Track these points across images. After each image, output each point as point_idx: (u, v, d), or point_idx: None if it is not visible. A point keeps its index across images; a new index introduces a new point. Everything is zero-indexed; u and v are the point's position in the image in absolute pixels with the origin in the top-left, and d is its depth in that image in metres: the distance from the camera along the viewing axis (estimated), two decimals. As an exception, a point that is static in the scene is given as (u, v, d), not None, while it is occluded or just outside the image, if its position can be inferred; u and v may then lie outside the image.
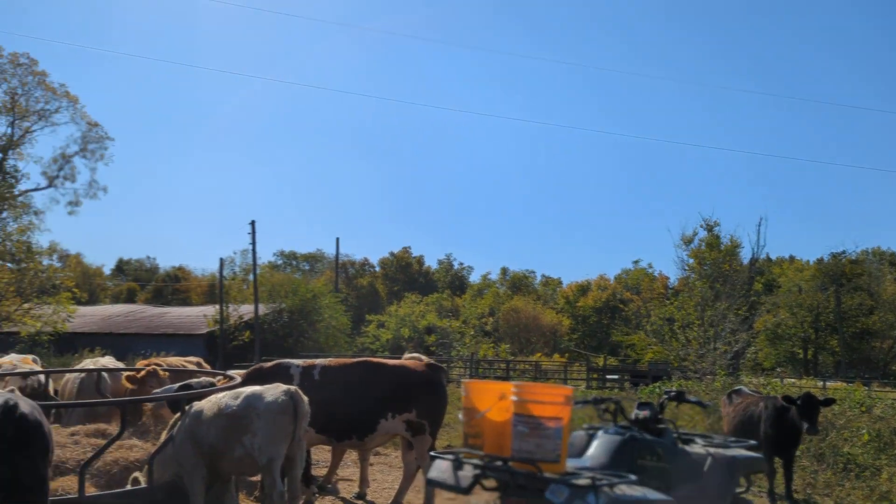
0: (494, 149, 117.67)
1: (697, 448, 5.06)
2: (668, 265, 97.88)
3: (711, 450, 5.03)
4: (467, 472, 4.43)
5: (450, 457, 4.62)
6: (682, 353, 23.78)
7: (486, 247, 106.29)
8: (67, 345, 34.25)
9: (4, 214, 39.94)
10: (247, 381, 8.46)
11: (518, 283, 71.75)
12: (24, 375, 9.64)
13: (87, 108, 42.57)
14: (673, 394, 5.67)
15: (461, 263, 75.59)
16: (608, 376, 30.58)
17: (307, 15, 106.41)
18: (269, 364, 9.03)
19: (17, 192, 40.51)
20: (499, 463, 4.30)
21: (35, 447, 5.17)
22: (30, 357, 11.07)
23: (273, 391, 6.88)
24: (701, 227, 32.17)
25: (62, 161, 42.13)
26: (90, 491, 7.14)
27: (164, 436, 7.53)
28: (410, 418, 8.44)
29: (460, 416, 4.88)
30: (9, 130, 40.63)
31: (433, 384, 8.65)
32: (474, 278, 74.79)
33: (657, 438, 4.91)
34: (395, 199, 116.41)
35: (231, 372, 10.16)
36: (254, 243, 38.59)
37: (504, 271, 75.46)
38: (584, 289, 64.28)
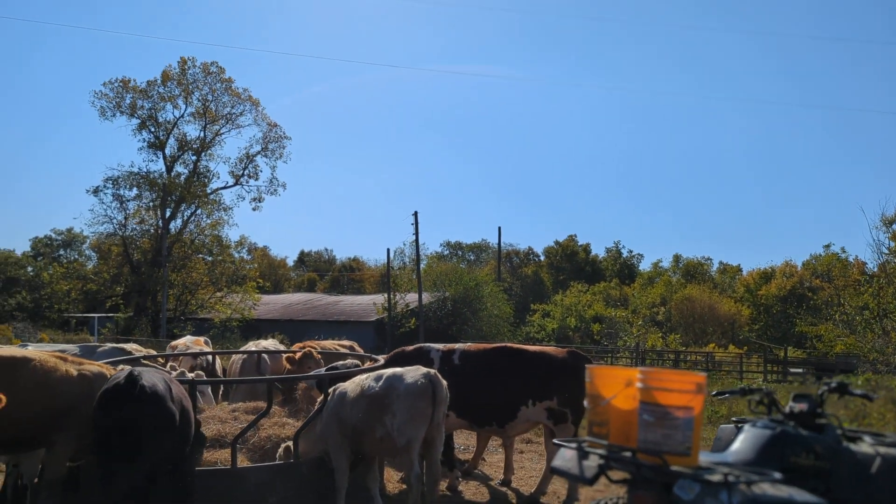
0: (665, 130, 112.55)
1: (865, 447, 4.34)
2: (864, 249, 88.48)
3: (882, 450, 4.28)
4: (592, 463, 4.10)
5: (574, 445, 4.30)
6: (877, 346, 21.27)
7: (657, 233, 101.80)
8: (253, 330, 37.19)
9: (199, 211, 44.24)
10: (389, 363, 8.57)
11: (692, 271, 68.00)
12: (195, 356, 10.44)
13: (266, 109, 45.69)
14: (834, 385, 4.90)
15: (630, 251, 72.94)
16: (791, 369, 28.13)
17: (473, 4, 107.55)
18: (410, 348, 9.09)
19: (209, 191, 44.56)
20: (624, 454, 3.91)
21: (151, 419, 5.54)
22: (202, 339, 12.00)
23: (413, 373, 6.90)
24: (904, 205, 28.60)
25: (246, 160, 45.76)
26: (243, 463, 7.56)
27: (311, 414, 7.81)
28: (552, 406, 8.14)
29: (585, 403, 4.53)
30: (201, 134, 44.76)
31: (575, 371, 8.26)
32: (644, 266, 71.90)
33: (815, 434, 4.26)
34: (559, 187, 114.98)
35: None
36: (417, 233, 39.72)
37: (677, 258, 71.86)
38: (766, 276, 59.58)
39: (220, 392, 10.45)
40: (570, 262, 67.52)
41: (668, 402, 3.89)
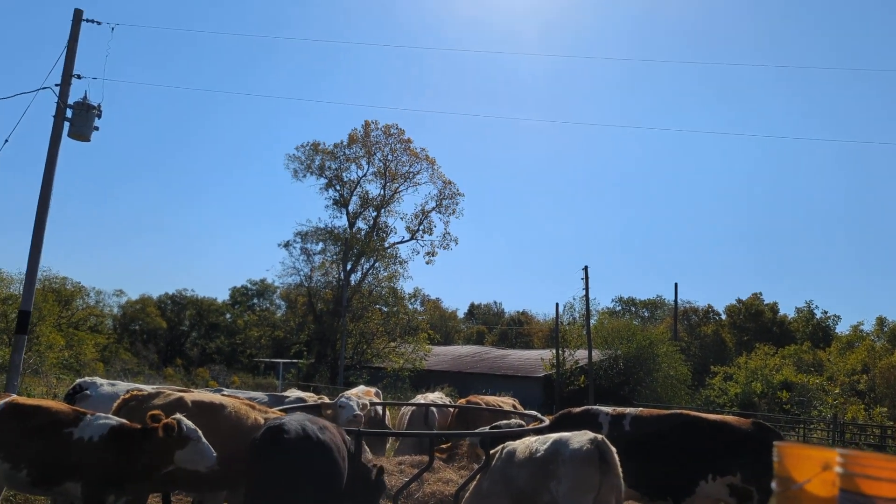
0: (868, 181, 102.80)
1: None
2: None
3: None
4: (780, 554, 3.62)
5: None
6: None
7: (856, 293, 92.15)
8: (422, 380, 37.97)
9: (377, 264, 46.51)
10: (554, 425, 8.30)
11: (900, 336, 60.76)
12: (363, 406, 10.76)
13: (442, 168, 47.56)
14: None
15: (825, 312, 66.54)
16: None
17: (608, 55, 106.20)
18: (577, 410, 8.76)
19: (386, 245, 46.78)
20: (820, 549, 3.42)
21: (293, 462, 5.77)
22: (372, 389, 12.38)
23: (580, 438, 6.64)
24: None
25: (422, 216, 47.65)
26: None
27: (473, 473, 7.72)
28: (734, 482, 7.43)
29: (773, 484, 4.06)
30: (381, 192, 47.33)
31: (763, 445, 7.50)
32: (842, 329, 65.19)
33: None
34: (741, 242, 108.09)
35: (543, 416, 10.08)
36: (587, 288, 38.88)
37: (881, 321, 64.49)
38: None
39: (387, 444, 10.67)
40: (755, 321, 62.81)
41: (876, 492, 3.36)
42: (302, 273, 46.91)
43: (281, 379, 36.63)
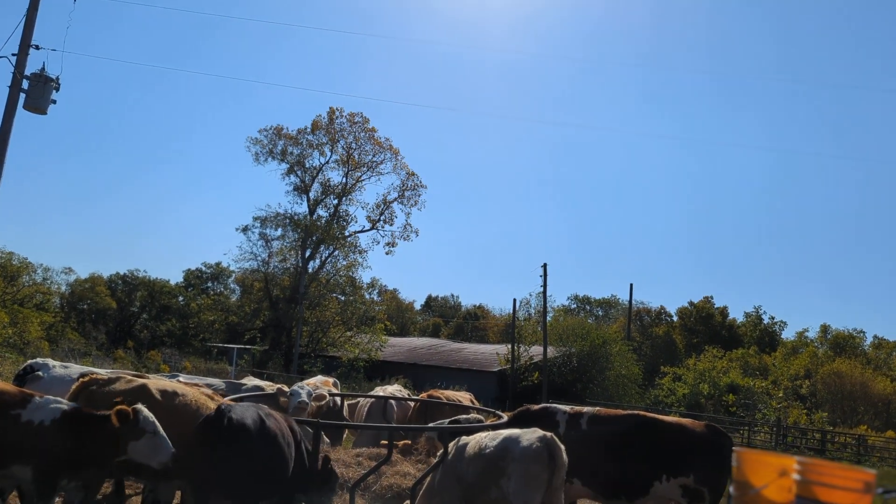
0: (813, 190, 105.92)
1: None
2: None
3: None
4: (737, 557, 3.73)
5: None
6: None
7: (802, 301, 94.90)
8: (377, 371, 37.91)
9: (336, 253, 46.19)
10: (513, 421, 8.36)
11: (842, 344, 62.79)
12: (320, 397, 10.68)
13: (405, 159, 47.37)
14: None
15: (772, 318, 68.43)
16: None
17: (589, 58, 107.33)
18: (536, 407, 8.84)
19: (346, 234, 46.48)
20: (775, 554, 3.53)
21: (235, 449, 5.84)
22: (330, 380, 12.30)
23: (529, 436, 6.69)
24: None
25: (383, 206, 47.43)
26: (361, 510, 7.57)
27: (430, 467, 7.74)
28: (687, 483, 7.58)
29: (731, 489, 4.17)
30: (343, 180, 46.97)
31: (715, 448, 7.68)
32: (788, 335, 67.15)
33: None
34: (695, 246, 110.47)
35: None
36: (545, 285, 39.31)
37: (825, 329, 66.66)
38: (929, 354, 54.06)
39: (344, 435, 10.62)
40: (705, 324, 64.25)
41: (830, 499, 3.47)
42: (259, 258, 46.36)
43: (234, 365, 36.11)
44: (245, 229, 46.15)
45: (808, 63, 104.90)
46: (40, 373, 7.56)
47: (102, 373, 7.72)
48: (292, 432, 6.86)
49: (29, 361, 7.80)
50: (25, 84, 14.90)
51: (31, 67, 15.09)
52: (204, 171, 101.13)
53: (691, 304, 66.62)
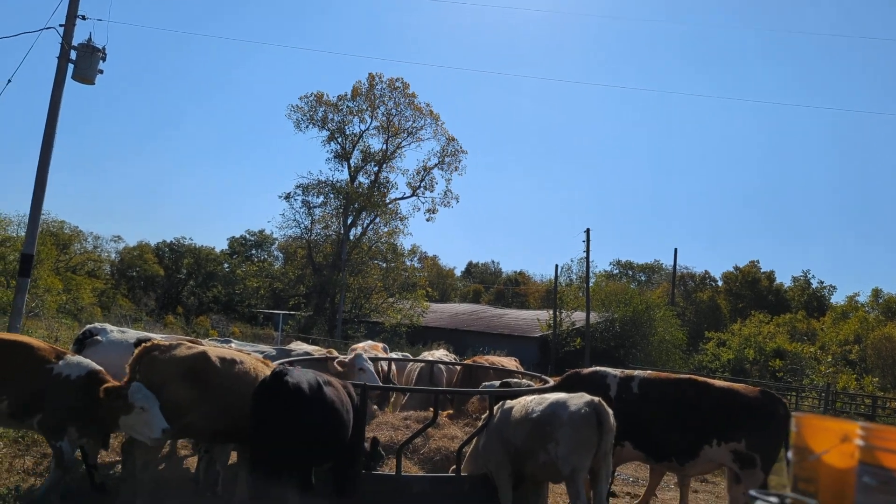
0: (863, 149, 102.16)
1: None
2: None
3: None
4: (797, 522, 3.67)
5: (775, 500, 3.89)
6: None
7: (853, 265, 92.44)
8: (419, 337, 38.21)
9: (377, 220, 46.37)
10: (562, 385, 8.36)
11: (894, 308, 61.19)
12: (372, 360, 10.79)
13: (445, 124, 47.02)
14: None
15: (821, 282, 66.85)
16: None
17: (630, 16, 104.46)
18: (585, 371, 8.81)
19: (387, 201, 46.58)
20: (837, 519, 3.46)
21: (291, 413, 6.02)
22: (380, 345, 12.41)
23: (577, 401, 6.67)
24: None
25: (423, 173, 47.32)
26: (409, 471, 7.68)
27: (475, 430, 7.79)
28: (739, 448, 7.51)
29: (789, 454, 4.08)
30: (384, 146, 46.92)
31: (768, 414, 7.57)
32: (837, 299, 65.57)
33: None
34: (741, 210, 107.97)
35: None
36: (588, 251, 38.92)
37: (876, 293, 64.92)
38: None
39: (391, 399, 10.75)
40: (751, 289, 63.08)
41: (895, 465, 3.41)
42: (302, 225, 46.78)
43: (280, 330, 36.80)
44: (288, 197, 46.59)
45: (868, 16, 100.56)
46: (99, 337, 7.79)
47: (158, 338, 7.92)
48: (350, 398, 6.95)
49: (88, 326, 8.05)
50: (73, 55, 15.12)
51: (77, 38, 15.31)
52: (247, 139, 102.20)
53: (737, 268, 65.41)
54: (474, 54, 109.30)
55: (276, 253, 65.17)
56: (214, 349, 6.94)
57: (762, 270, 65.23)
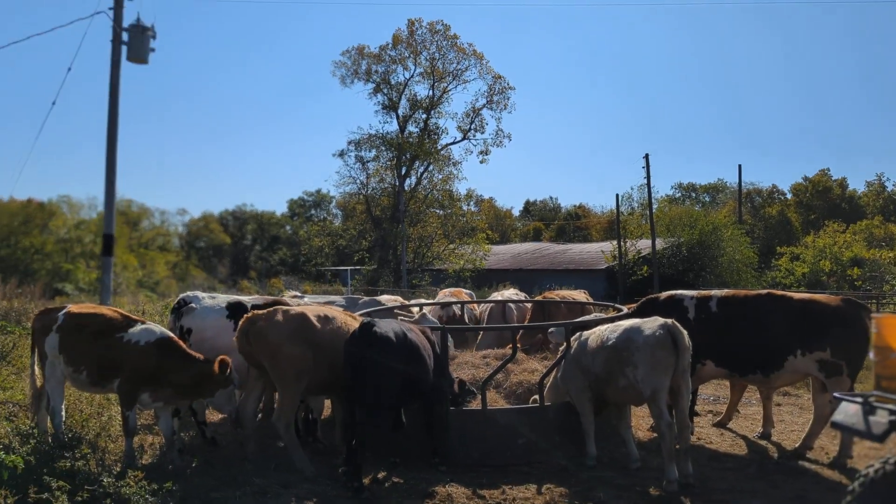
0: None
1: None
2: None
3: None
4: (881, 419, 3.82)
5: (859, 400, 4.01)
6: None
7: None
8: (484, 280, 38.55)
9: (431, 168, 46.41)
10: (639, 311, 8.48)
11: (976, 203, 58.36)
12: (442, 306, 11.13)
13: (490, 62, 46.20)
14: None
15: (896, 184, 63.98)
16: None
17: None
18: (663, 295, 8.90)
19: (439, 147, 46.47)
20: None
21: (382, 360, 6.48)
22: (464, 291, 12.82)
23: (651, 325, 6.84)
24: None
25: (473, 114, 46.79)
26: (495, 405, 8.00)
27: (553, 362, 8.03)
28: (824, 357, 7.54)
29: (871, 355, 4.17)
30: (430, 92, 46.58)
31: (852, 320, 7.55)
32: (916, 200, 62.77)
33: None
34: (805, 115, 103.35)
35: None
36: (648, 177, 38.18)
37: (955, 189, 61.94)
38: None
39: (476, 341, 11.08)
40: (823, 199, 60.93)
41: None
42: (358, 181, 47.19)
43: (348, 286, 37.73)
44: (341, 154, 46.96)
45: None
46: (193, 304, 8.25)
47: (247, 299, 8.37)
48: (430, 343, 7.35)
49: (181, 295, 8.52)
50: (125, 36, 15.52)
51: (126, 20, 15.67)
52: (295, 101, 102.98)
53: (806, 179, 63.18)
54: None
55: (335, 211, 66.22)
56: (311, 308, 7.33)
57: (833, 178, 62.87)
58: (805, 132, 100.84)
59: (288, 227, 66.87)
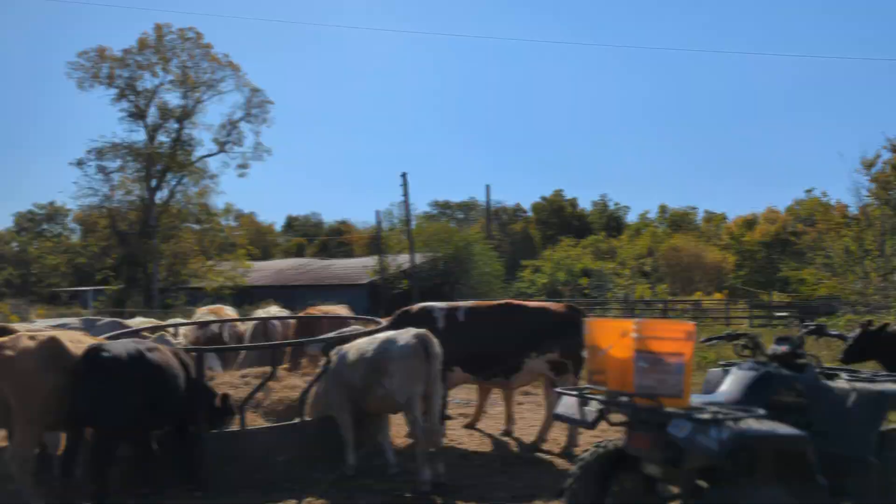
0: (642, 81, 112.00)
1: (841, 384, 4.74)
2: (845, 193, 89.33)
3: (857, 385, 4.68)
4: (592, 408, 4.50)
5: (575, 393, 4.68)
6: (857, 288, 21.85)
7: (643, 185, 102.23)
8: (245, 297, 37.34)
9: (186, 180, 44.00)
10: (394, 323, 8.91)
11: (678, 221, 68.82)
12: (200, 325, 10.72)
13: (248, 75, 44.97)
14: (812, 327, 5.32)
15: (617, 203, 73.37)
16: (776, 313, 28.85)
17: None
18: (414, 308, 9.42)
19: (194, 159, 44.23)
20: (622, 399, 4.30)
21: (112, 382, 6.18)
22: (225, 307, 12.36)
23: (404, 336, 7.29)
24: (885, 148, 28.90)
25: (230, 126, 45.13)
26: (255, 423, 7.93)
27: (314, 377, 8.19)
28: (554, 358, 8.57)
29: (583, 353, 4.89)
30: (183, 102, 44.21)
31: (575, 324, 8.65)
32: (631, 218, 72.43)
33: (796, 373, 4.64)
34: (544, 142, 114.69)
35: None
36: (406, 195, 39.77)
37: (662, 209, 72.53)
38: (750, 223, 60.51)
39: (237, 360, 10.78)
40: (558, 216, 67.85)
41: (661, 349, 4.25)
42: (100, 193, 43.22)
43: (90, 308, 34.31)
44: (80, 163, 42.71)
45: None
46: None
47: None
48: (183, 364, 7.01)
49: None
50: None
51: None
52: (20, 102, 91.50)
53: (544, 198, 69.93)
54: (282, 5, 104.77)
55: (71, 225, 59.94)
56: (58, 332, 6.64)
57: (566, 198, 70.29)
58: (543, 155, 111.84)
59: (14, 244, 59.15)
